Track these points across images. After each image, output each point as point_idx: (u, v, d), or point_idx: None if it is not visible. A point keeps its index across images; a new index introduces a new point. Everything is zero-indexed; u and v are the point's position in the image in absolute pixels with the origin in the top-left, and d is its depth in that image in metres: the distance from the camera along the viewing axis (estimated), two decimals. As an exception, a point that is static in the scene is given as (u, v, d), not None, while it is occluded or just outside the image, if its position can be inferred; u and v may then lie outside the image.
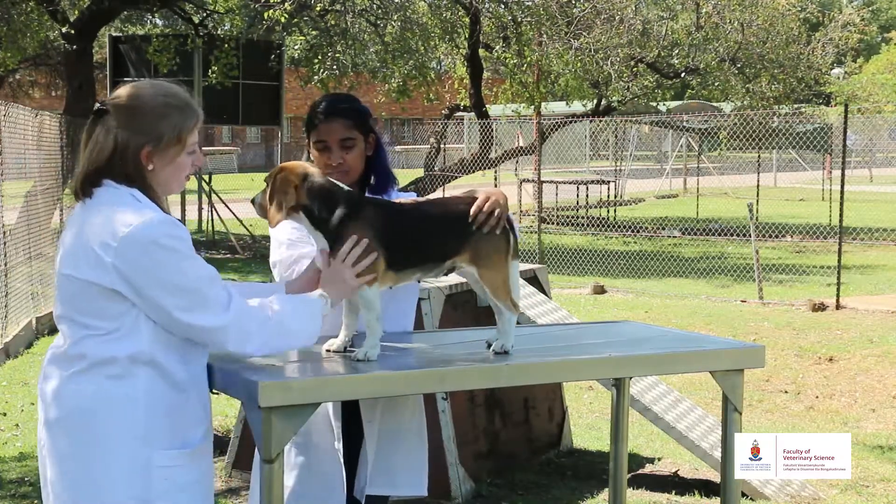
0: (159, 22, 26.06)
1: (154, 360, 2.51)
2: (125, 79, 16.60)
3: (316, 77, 15.87)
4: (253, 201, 2.86)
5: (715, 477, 5.43)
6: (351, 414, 3.09)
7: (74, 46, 14.40)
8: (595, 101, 19.15)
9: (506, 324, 2.91)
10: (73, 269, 2.50)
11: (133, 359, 2.49)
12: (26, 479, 5.56)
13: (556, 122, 19.54)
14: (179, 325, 2.50)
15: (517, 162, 21.68)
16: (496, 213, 2.85)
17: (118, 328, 2.49)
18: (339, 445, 3.05)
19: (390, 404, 3.08)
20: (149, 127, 2.54)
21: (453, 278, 4.64)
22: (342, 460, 3.05)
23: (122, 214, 2.47)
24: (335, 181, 2.85)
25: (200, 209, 18.35)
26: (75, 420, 2.51)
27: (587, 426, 6.82)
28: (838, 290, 10.95)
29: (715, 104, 26.43)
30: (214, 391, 2.69)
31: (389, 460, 3.10)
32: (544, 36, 16.10)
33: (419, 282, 2.97)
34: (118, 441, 2.49)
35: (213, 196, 17.48)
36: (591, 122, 21.14)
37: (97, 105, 2.59)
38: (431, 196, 3.38)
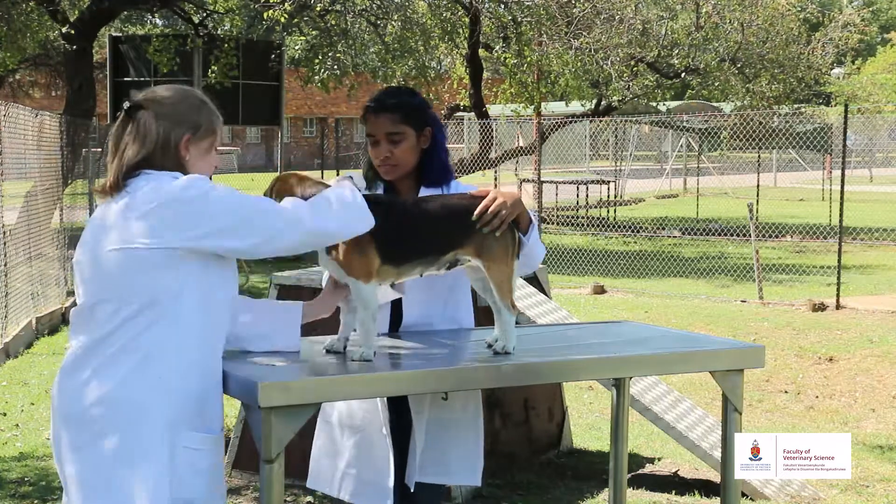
0: (159, 22, 26.08)
1: (185, 345, 2.56)
2: (125, 79, 16.64)
3: (316, 77, 15.87)
4: None
5: (715, 477, 5.43)
6: (401, 404, 3.11)
7: (74, 46, 14.38)
8: (595, 101, 19.15)
9: (506, 324, 2.92)
10: (126, 242, 2.54)
11: (170, 342, 2.54)
12: (26, 478, 5.56)
13: (556, 122, 19.54)
14: (265, 243, 2.61)
15: (517, 162, 21.70)
16: (501, 215, 2.86)
17: (160, 302, 2.54)
18: (386, 432, 3.07)
19: (437, 396, 3.09)
20: (188, 116, 2.66)
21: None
22: (391, 446, 3.07)
23: (169, 183, 2.56)
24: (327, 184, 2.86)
25: (200, 209, 18.32)
26: (105, 405, 2.53)
27: (587, 426, 6.82)
28: (838, 290, 10.95)
29: (715, 104, 26.46)
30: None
31: (441, 449, 3.12)
32: (544, 36, 16.09)
33: (421, 276, 2.96)
34: (148, 418, 2.53)
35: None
36: (591, 122, 21.14)
37: (128, 102, 2.66)
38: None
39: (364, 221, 2.73)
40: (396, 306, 3.13)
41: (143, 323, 2.54)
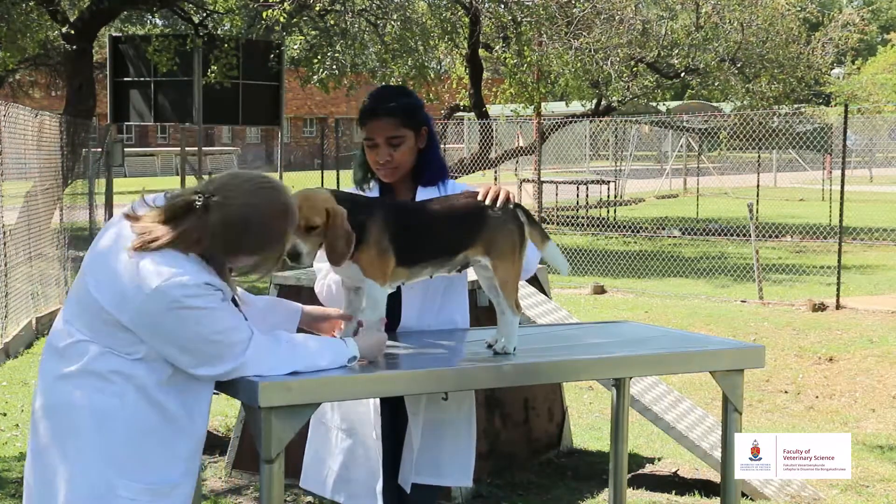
0: (159, 22, 26.06)
1: (147, 385, 2.45)
2: (125, 79, 16.63)
3: (316, 77, 15.87)
4: (298, 256, 2.69)
5: (715, 477, 5.42)
6: (397, 405, 3.11)
7: (74, 46, 14.39)
8: (595, 101, 19.15)
9: (508, 325, 2.92)
10: (98, 292, 2.45)
11: (128, 377, 2.45)
12: (26, 479, 5.56)
13: (556, 122, 19.54)
14: (194, 375, 2.48)
15: (517, 162, 21.70)
16: (505, 194, 2.93)
17: (125, 351, 2.46)
18: (377, 435, 3.08)
19: (434, 397, 3.09)
20: (249, 246, 2.48)
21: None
22: (381, 450, 3.08)
23: (162, 266, 2.40)
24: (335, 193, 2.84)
25: (200, 209, 18.32)
26: (57, 421, 2.48)
27: (587, 426, 6.82)
28: (838, 290, 10.95)
29: (715, 104, 26.46)
30: (215, 391, 2.69)
31: (436, 450, 3.12)
32: (544, 36, 16.10)
33: (430, 277, 2.97)
34: (89, 458, 2.44)
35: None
36: (591, 122, 21.14)
37: (203, 197, 2.44)
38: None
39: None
40: (394, 308, 3.11)
41: (105, 351, 2.46)
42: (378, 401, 3.08)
